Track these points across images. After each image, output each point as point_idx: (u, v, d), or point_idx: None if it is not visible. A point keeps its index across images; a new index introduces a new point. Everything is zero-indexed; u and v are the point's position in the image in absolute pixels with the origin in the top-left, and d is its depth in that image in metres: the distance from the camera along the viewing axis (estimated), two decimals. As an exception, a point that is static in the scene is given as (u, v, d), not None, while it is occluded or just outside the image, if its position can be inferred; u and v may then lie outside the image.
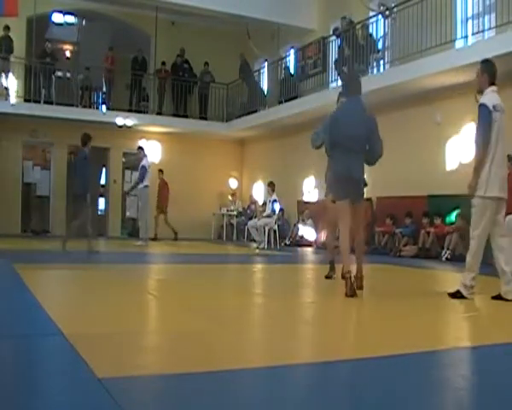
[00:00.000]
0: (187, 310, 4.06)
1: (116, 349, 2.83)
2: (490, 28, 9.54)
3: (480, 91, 5.01)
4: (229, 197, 17.25)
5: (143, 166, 12.32)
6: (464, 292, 4.86)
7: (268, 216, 12.80)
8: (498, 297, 4.81)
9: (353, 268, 5.36)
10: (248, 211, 16.25)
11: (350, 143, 5.18)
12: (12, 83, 14.96)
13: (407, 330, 3.61)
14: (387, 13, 11.67)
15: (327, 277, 6.34)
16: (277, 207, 12.83)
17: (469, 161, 10.50)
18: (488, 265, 9.23)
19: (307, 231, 14.13)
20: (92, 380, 2.21)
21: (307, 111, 13.47)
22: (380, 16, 11.96)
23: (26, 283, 5.12)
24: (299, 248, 13.30)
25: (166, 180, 15.41)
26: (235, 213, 16.49)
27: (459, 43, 10.11)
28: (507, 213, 7.99)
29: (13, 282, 5.57)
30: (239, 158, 18.53)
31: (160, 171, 15.58)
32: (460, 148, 10.64)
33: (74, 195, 9.93)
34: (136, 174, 12.86)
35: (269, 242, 12.86)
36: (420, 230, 10.88)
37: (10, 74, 14.88)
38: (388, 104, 11.90)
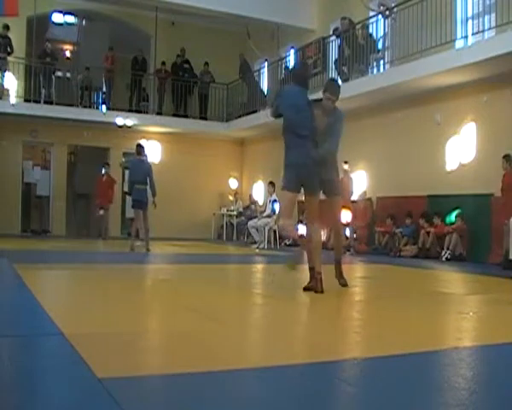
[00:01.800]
0: (187, 310, 4.06)
1: (116, 349, 2.83)
2: (490, 28, 9.54)
3: None
4: (230, 197, 17.25)
5: None
6: None
7: (268, 216, 12.80)
8: None
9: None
10: (248, 211, 16.26)
11: (294, 128, 5.07)
12: (10, 82, 14.96)
13: (407, 331, 3.61)
14: (387, 13, 11.67)
15: (306, 288, 5.10)
16: (277, 207, 12.83)
17: (469, 160, 10.55)
18: (488, 265, 9.25)
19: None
20: (92, 380, 2.21)
21: (307, 111, 13.45)
22: (380, 16, 11.96)
23: (26, 283, 5.12)
24: (298, 249, 13.27)
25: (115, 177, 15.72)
26: (235, 213, 16.50)
27: (459, 44, 10.11)
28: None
29: (13, 282, 5.57)
30: (239, 158, 18.53)
31: (107, 164, 15.70)
32: (460, 148, 10.64)
33: (141, 202, 10.59)
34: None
35: (269, 242, 12.86)
36: (420, 230, 10.89)
37: (8, 74, 14.87)
38: (388, 104, 11.91)
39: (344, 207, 11.65)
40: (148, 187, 10.62)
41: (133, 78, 16.68)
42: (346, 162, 11.46)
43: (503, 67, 9.08)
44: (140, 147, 10.93)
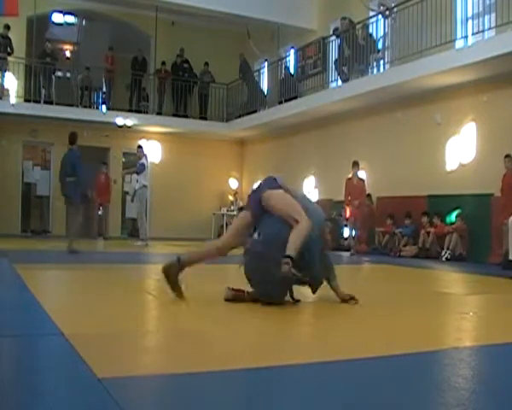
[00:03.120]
0: (187, 310, 4.06)
1: (116, 349, 2.83)
2: (490, 28, 9.55)
3: None
4: (230, 197, 17.25)
5: (142, 164, 12.39)
6: None
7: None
8: None
9: None
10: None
11: None
12: (10, 82, 14.96)
13: (407, 331, 3.61)
14: (387, 13, 11.67)
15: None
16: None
17: (469, 160, 10.55)
18: (488, 265, 9.25)
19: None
20: (92, 380, 2.21)
21: (307, 111, 13.48)
22: (380, 16, 11.96)
23: (26, 283, 5.11)
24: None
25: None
26: (235, 212, 16.48)
27: (459, 44, 10.12)
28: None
29: (13, 282, 5.57)
30: (239, 158, 18.53)
31: (104, 164, 15.87)
32: (460, 148, 10.64)
33: (68, 196, 9.59)
34: (135, 175, 12.96)
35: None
36: (420, 230, 10.89)
37: (8, 74, 14.89)
38: (388, 104, 11.92)
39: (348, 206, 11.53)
40: (82, 180, 9.61)
41: (133, 78, 16.69)
42: (355, 163, 11.35)
43: (503, 67, 9.08)
44: (73, 135, 9.63)
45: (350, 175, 11.55)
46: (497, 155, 9.35)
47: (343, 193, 11.59)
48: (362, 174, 12.48)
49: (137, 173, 12.47)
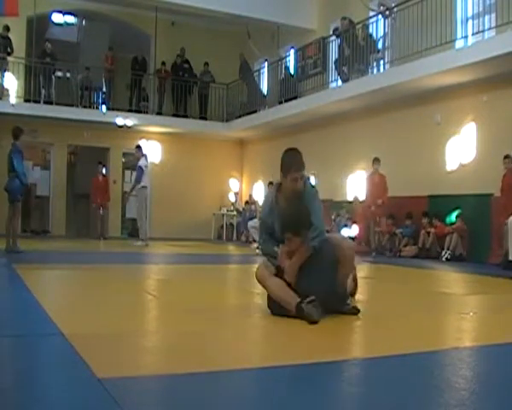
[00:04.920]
0: (187, 310, 4.06)
1: (116, 349, 2.83)
2: (490, 28, 9.54)
3: None
4: (231, 198, 17.25)
5: (140, 167, 12.31)
6: None
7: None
8: None
9: None
10: (248, 213, 16.26)
11: None
12: (10, 82, 14.96)
13: (407, 331, 3.61)
14: (387, 13, 11.67)
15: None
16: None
17: (469, 160, 10.55)
18: (488, 265, 9.25)
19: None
20: (92, 380, 2.21)
21: (307, 111, 13.48)
22: (380, 16, 11.96)
23: (26, 283, 5.11)
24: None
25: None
26: (234, 212, 16.50)
27: (459, 44, 10.11)
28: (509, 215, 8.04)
29: (13, 282, 5.57)
30: (239, 158, 18.53)
31: (103, 165, 15.92)
32: (460, 148, 10.64)
33: (8, 192, 9.05)
34: (134, 175, 12.95)
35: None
36: (420, 230, 10.88)
37: (8, 74, 14.89)
38: (388, 104, 11.91)
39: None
40: (23, 177, 9.04)
41: (133, 78, 16.69)
42: (376, 159, 11.24)
43: (503, 67, 9.08)
44: (16, 130, 9.15)
45: (371, 172, 11.42)
46: (497, 155, 9.35)
47: (342, 193, 11.57)
48: (362, 175, 12.48)
49: (138, 182, 12.35)
